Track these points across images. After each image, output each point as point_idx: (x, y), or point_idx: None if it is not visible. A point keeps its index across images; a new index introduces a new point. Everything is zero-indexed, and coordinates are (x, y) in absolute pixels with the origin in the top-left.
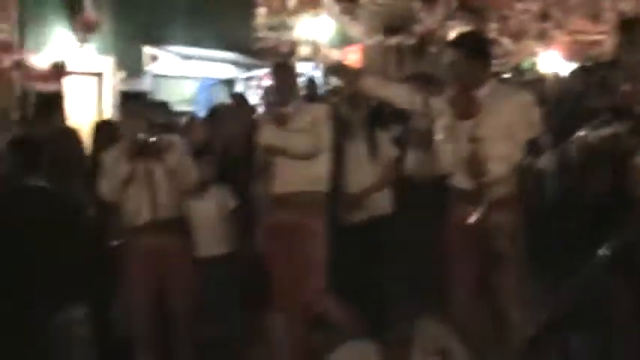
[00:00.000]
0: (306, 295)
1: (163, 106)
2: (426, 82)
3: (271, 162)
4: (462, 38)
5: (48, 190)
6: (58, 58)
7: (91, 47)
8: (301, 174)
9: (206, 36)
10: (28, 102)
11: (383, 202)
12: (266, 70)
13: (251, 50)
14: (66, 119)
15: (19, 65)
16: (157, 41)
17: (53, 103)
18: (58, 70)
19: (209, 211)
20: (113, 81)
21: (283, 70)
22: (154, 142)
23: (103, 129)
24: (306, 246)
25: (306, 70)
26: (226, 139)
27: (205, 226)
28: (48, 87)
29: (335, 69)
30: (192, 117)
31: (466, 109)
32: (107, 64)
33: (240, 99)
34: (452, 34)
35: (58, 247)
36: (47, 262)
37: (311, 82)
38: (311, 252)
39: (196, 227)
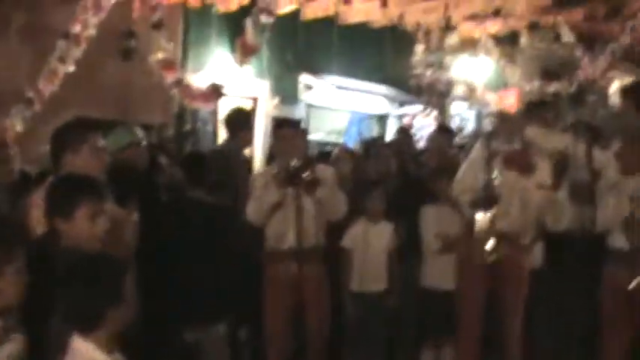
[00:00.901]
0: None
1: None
2: (587, 131)
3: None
4: (633, 88)
5: (208, 202)
6: (216, 80)
7: (249, 71)
8: (531, 214)
9: (362, 68)
10: (184, 119)
11: (535, 256)
12: (420, 108)
13: (406, 86)
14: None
15: (179, 83)
16: (314, 70)
17: (243, 120)
18: (216, 91)
19: (376, 246)
20: (267, 106)
21: None
22: (305, 171)
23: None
24: (513, 283)
25: (460, 110)
26: (383, 174)
27: (369, 261)
28: (205, 106)
29: (500, 116)
30: (343, 149)
31: (633, 164)
32: (263, 89)
33: (405, 134)
34: (613, 84)
35: (212, 261)
36: (202, 274)
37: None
38: (517, 289)
39: (358, 261)
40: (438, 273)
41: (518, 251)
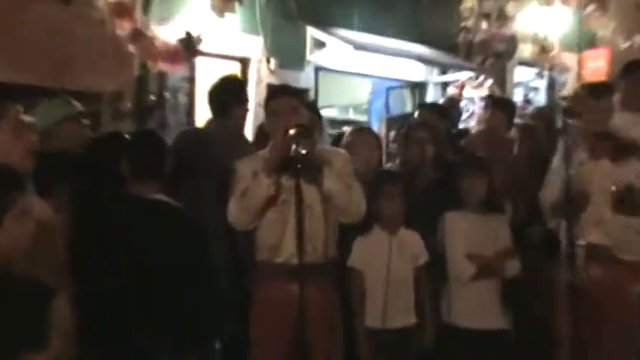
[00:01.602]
0: None
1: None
2: None
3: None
4: None
5: (171, 207)
6: (190, 32)
7: (235, 23)
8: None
9: (391, 21)
10: (146, 87)
11: None
12: (470, 75)
13: (452, 45)
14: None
15: (139, 37)
16: (325, 23)
17: (235, 91)
18: (189, 49)
19: (398, 265)
20: (260, 71)
21: None
22: (309, 155)
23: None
24: (615, 315)
25: (526, 77)
26: (416, 166)
27: (390, 286)
28: (174, 69)
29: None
30: (362, 128)
31: None
32: (255, 47)
33: (449, 109)
34: None
35: (180, 279)
36: (153, 299)
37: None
38: (620, 323)
39: (374, 286)
40: (471, 307)
41: (619, 271)
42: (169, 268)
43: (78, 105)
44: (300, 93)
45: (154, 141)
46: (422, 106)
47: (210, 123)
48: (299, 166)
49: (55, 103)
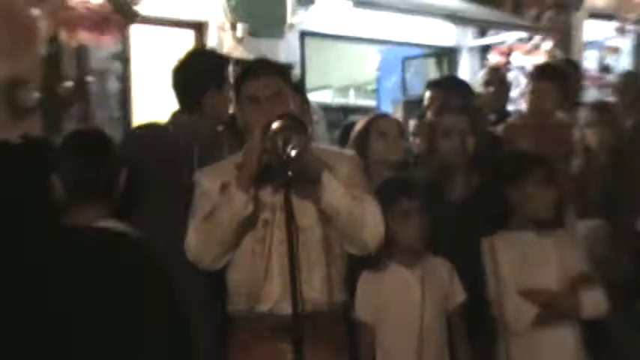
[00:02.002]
0: None
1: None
2: None
3: None
4: None
5: (127, 239)
6: None
7: None
8: None
9: None
10: (60, 69)
11: None
12: (521, 35)
13: None
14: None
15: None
16: None
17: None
18: (121, 13)
19: (422, 314)
20: (225, 41)
21: None
22: (301, 158)
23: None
24: None
25: (601, 34)
26: (451, 165)
27: (413, 344)
28: (100, 43)
29: None
30: (375, 117)
31: None
32: (214, 7)
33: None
34: None
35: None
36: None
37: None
38: None
39: (390, 344)
40: None
41: None
42: (114, 329)
43: None
44: (285, 69)
45: (98, 145)
46: (433, 83)
47: (175, 117)
48: (289, 172)
49: None
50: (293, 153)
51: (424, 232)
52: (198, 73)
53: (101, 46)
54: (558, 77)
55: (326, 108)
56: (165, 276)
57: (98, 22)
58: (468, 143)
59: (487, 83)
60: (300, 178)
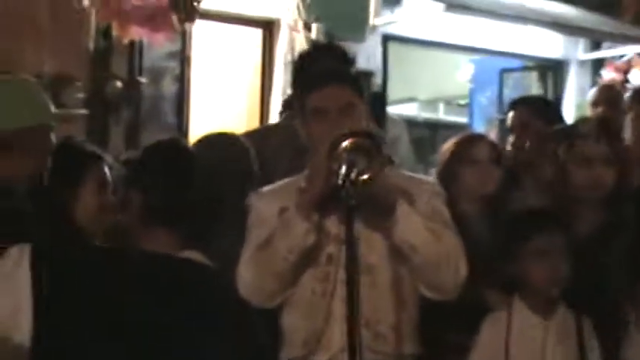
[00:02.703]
0: None
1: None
2: None
3: None
4: None
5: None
6: None
7: None
8: None
9: None
10: (110, 68)
11: None
12: None
13: (609, 2)
14: None
15: None
16: None
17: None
18: (181, 7)
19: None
20: (298, 42)
21: None
22: (372, 184)
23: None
24: None
25: None
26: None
27: None
28: (156, 41)
29: None
30: (465, 139)
31: None
32: (286, 4)
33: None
34: None
35: None
36: None
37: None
38: None
39: None
40: None
41: None
42: None
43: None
44: (359, 78)
45: (177, 160)
46: (518, 101)
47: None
48: (352, 201)
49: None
50: (363, 177)
51: (563, 274)
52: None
53: (155, 43)
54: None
55: (411, 123)
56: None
57: (153, 17)
58: (604, 178)
59: (596, 103)
60: (370, 208)
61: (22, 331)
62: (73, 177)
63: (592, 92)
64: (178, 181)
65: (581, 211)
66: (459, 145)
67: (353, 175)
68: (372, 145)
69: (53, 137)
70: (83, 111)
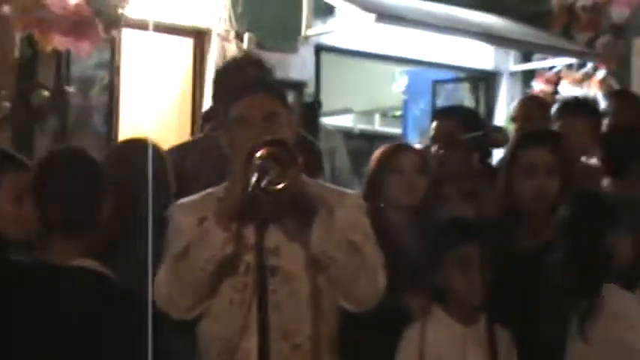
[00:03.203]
0: None
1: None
2: None
3: None
4: None
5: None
6: None
7: None
8: None
9: None
10: (35, 77)
11: None
12: (569, 61)
13: (539, 13)
14: None
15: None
16: None
17: None
18: (105, 15)
19: None
20: (229, 52)
21: None
22: (288, 193)
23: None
24: None
25: None
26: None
27: None
28: (80, 49)
29: None
30: (394, 146)
31: None
32: (217, 13)
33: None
34: None
35: None
36: None
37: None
38: None
39: None
40: None
41: None
42: None
43: None
44: (279, 87)
45: (85, 173)
46: (441, 111)
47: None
48: (263, 209)
49: None
50: (277, 186)
51: (483, 285)
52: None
53: (80, 52)
54: (592, 115)
55: (347, 134)
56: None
57: (76, 25)
58: (548, 186)
59: (515, 119)
60: (290, 217)
61: None
62: None
63: (512, 107)
64: (72, 194)
65: (525, 222)
66: (384, 155)
67: (264, 183)
68: (287, 154)
69: None
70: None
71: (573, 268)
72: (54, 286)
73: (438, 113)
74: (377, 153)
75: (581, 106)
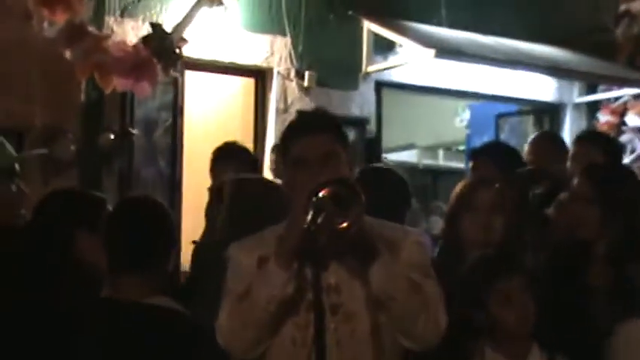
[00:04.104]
0: None
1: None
2: None
3: None
4: None
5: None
6: (160, 25)
7: (236, 15)
8: None
9: (497, 12)
10: (102, 120)
11: None
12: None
13: (603, 44)
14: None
15: (78, 34)
16: (393, 15)
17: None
18: (162, 53)
19: None
20: (290, 90)
21: None
22: (351, 233)
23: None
24: None
25: None
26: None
27: None
28: (140, 91)
29: None
30: (469, 184)
31: None
32: (278, 52)
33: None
34: None
35: None
36: None
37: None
38: None
39: None
40: None
41: None
42: None
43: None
44: (339, 125)
45: (150, 213)
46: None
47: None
48: (318, 251)
49: None
50: (341, 226)
51: (530, 318)
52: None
53: (140, 93)
54: (601, 143)
55: (411, 169)
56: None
57: (136, 67)
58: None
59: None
60: (352, 255)
61: None
62: None
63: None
64: (139, 232)
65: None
66: (462, 191)
67: (320, 221)
68: (349, 193)
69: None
70: (43, 150)
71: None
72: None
73: (476, 152)
74: (456, 189)
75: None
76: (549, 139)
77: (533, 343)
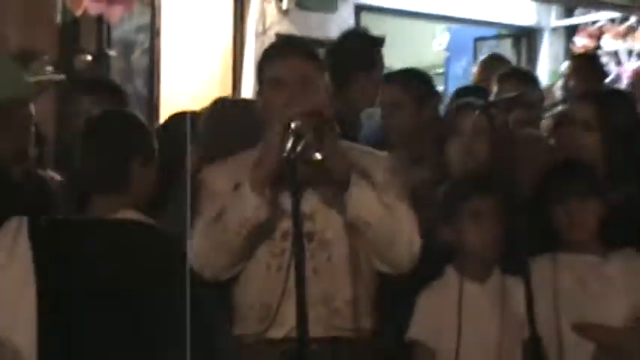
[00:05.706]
0: None
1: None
2: None
3: None
4: None
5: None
6: None
7: None
8: None
9: None
10: (77, 39)
11: None
12: (613, 15)
13: None
14: None
15: None
16: None
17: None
18: None
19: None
20: (268, 13)
21: None
22: (326, 162)
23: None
24: None
25: None
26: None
27: None
28: (109, 12)
29: None
30: (465, 104)
31: None
32: None
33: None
34: None
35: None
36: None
37: None
38: None
39: None
40: None
41: None
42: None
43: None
44: (315, 49)
45: (124, 127)
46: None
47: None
48: (297, 175)
49: None
50: (315, 156)
51: (497, 239)
52: (347, 55)
53: (112, 17)
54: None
55: None
56: (185, 275)
57: None
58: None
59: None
60: (325, 183)
61: (30, 301)
62: None
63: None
64: (104, 149)
65: None
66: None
67: (300, 151)
68: (324, 122)
69: (32, 109)
70: (60, 77)
71: None
72: (100, 237)
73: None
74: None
75: None
76: (497, 59)
77: (496, 269)
